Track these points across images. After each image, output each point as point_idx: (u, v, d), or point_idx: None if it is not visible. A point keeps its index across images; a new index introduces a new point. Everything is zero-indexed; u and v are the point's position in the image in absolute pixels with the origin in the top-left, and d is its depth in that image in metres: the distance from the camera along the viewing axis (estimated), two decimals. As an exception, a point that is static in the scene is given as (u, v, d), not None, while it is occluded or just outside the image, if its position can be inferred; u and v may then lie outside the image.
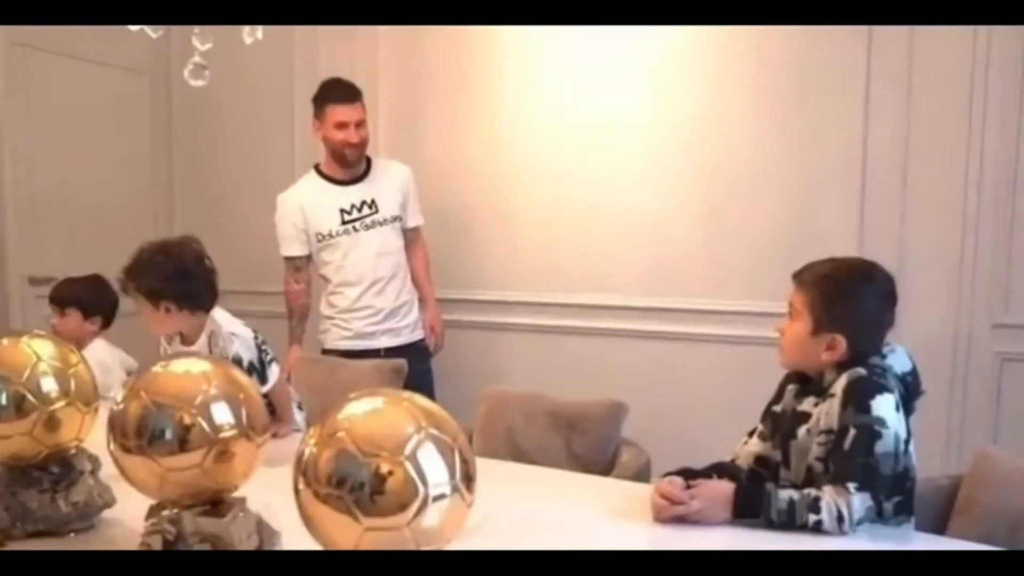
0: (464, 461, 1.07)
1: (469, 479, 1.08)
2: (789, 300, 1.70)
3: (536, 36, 3.34)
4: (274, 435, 2.18)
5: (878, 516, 1.56)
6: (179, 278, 2.13)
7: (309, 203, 3.04)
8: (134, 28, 1.70)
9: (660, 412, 3.00)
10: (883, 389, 1.55)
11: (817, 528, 1.47)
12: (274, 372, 2.28)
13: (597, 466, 2.13)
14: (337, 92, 2.98)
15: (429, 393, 3.16)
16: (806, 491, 1.50)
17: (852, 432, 1.52)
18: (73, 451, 1.44)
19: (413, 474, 1.01)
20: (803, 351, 1.67)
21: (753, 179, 3.07)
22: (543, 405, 2.30)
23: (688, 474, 1.65)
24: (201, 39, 1.81)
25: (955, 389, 2.79)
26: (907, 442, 1.59)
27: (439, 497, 1.03)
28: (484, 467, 2.07)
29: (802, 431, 1.65)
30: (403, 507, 1.01)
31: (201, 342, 2.24)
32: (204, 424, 1.17)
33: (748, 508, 1.51)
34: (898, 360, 1.64)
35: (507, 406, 2.32)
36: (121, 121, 4.17)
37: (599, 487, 1.88)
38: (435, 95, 3.61)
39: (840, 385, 1.58)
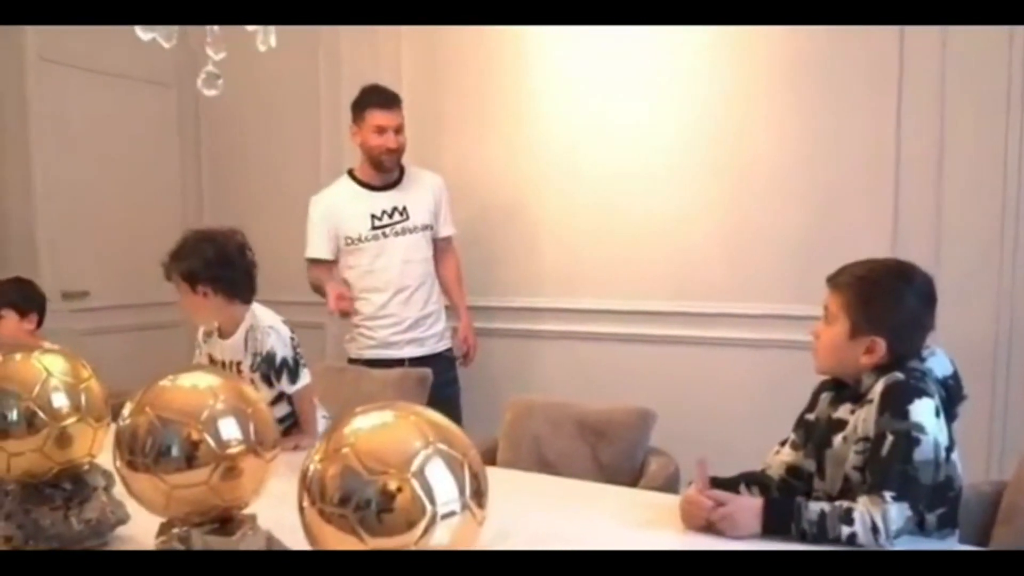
0: (475, 476, 1.03)
1: (480, 495, 1.04)
2: (824, 303, 1.64)
3: (557, 38, 3.29)
4: (295, 447, 2.18)
5: (919, 528, 1.49)
6: (219, 264, 2.16)
7: (340, 206, 3.03)
8: (145, 37, 1.67)
9: (690, 419, 2.94)
10: (922, 393, 1.48)
11: (851, 541, 1.40)
12: (305, 375, 2.27)
13: (625, 475, 2.07)
14: (377, 97, 2.98)
15: (455, 404, 3.12)
16: (838, 503, 1.44)
17: (889, 438, 1.46)
18: (86, 467, 1.42)
19: (420, 492, 0.97)
20: (840, 355, 1.60)
21: (780, 178, 2.99)
22: (569, 413, 2.25)
23: (715, 484, 1.59)
24: (214, 48, 1.79)
25: (996, 392, 2.69)
26: (949, 450, 1.51)
27: (448, 515, 0.99)
28: (507, 478, 2.04)
29: (838, 439, 1.58)
30: (411, 526, 0.97)
31: (238, 336, 2.25)
32: (210, 440, 1.14)
33: (778, 523, 1.45)
34: (938, 363, 1.57)
35: (533, 415, 2.28)
36: (149, 134, 4.20)
37: (625, 498, 1.83)
38: (456, 100, 3.58)
39: (877, 390, 1.52)
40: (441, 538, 0.99)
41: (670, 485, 1.97)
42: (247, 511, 1.24)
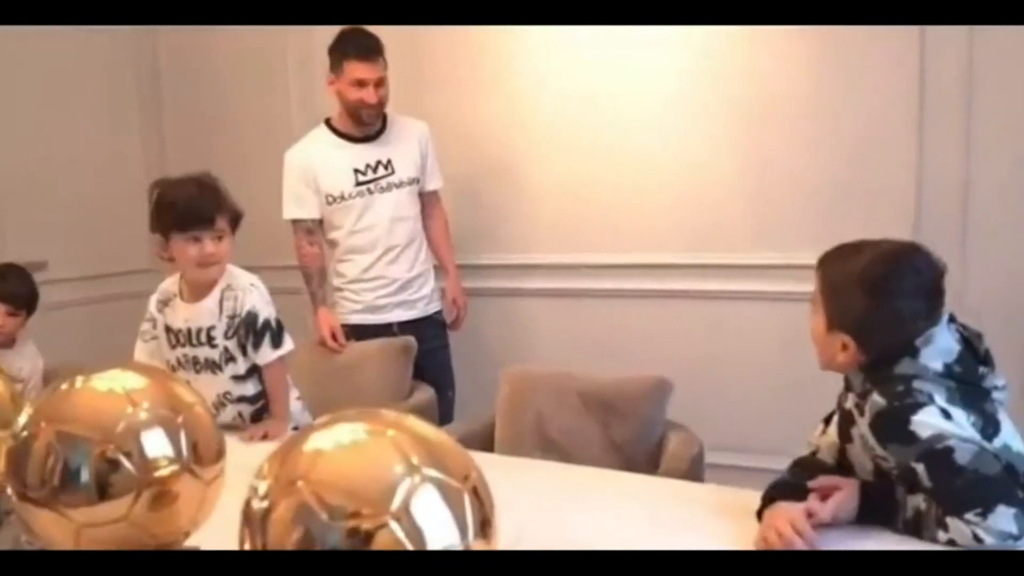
0: (480, 505, 0.77)
1: (487, 526, 0.77)
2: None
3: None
4: (264, 437, 1.91)
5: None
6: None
7: (320, 159, 2.75)
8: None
9: (707, 384, 2.70)
10: (915, 408, 1.22)
11: (952, 546, 1.16)
12: (289, 341, 2.04)
13: (641, 456, 1.83)
14: (357, 47, 2.67)
15: (446, 369, 2.92)
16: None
17: (919, 468, 1.20)
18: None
19: (404, 536, 0.70)
20: (822, 348, 1.36)
21: (802, 117, 2.73)
22: (575, 385, 1.99)
23: (777, 488, 1.32)
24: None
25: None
26: (992, 434, 1.24)
27: (445, 562, 0.73)
28: (507, 467, 1.76)
29: (856, 434, 1.33)
30: (393, 583, 0.71)
31: (212, 297, 2.00)
32: (125, 461, 0.87)
33: (876, 514, 1.24)
34: (935, 353, 1.27)
35: (534, 389, 2.02)
36: (103, 87, 3.86)
37: (647, 489, 1.56)
38: (446, 47, 3.26)
39: (866, 410, 1.27)
40: (437, 593, 0.73)
41: (695, 470, 1.72)
42: (190, 543, 0.97)
